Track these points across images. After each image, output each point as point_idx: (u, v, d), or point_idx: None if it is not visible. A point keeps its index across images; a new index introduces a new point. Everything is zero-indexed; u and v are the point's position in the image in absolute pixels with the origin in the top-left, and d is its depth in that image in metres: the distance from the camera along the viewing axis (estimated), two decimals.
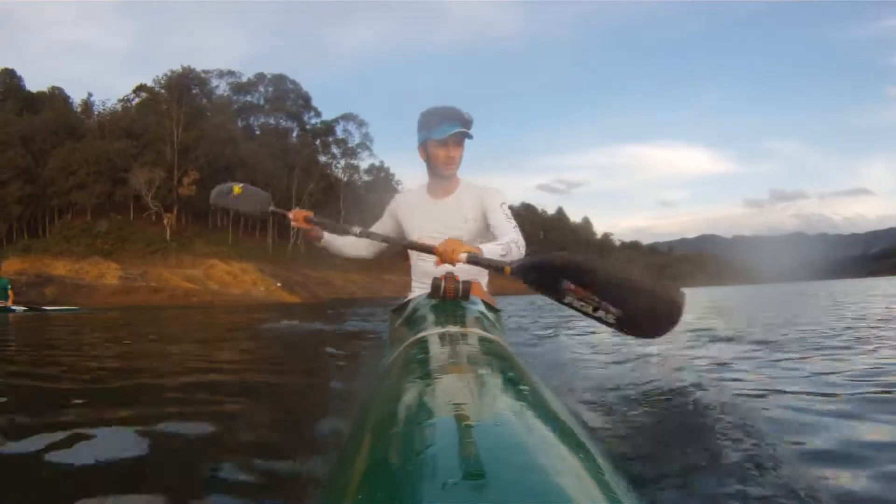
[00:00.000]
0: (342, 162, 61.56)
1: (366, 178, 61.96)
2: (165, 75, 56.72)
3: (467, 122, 1.99)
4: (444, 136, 1.96)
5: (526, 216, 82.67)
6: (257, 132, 61.02)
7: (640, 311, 1.26)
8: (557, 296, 1.34)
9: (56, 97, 58.47)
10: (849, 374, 2.14)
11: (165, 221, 50.40)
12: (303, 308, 18.36)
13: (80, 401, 2.12)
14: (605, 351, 3.08)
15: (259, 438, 1.47)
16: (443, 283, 1.58)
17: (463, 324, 1.27)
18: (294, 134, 61.43)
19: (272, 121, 61.91)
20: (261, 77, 60.59)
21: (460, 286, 1.57)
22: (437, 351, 1.05)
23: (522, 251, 1.83)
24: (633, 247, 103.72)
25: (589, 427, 1.35)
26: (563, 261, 1.32)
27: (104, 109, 57.98)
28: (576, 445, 0.59)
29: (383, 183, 61.64)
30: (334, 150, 61.23)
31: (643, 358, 2.61)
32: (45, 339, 5.54)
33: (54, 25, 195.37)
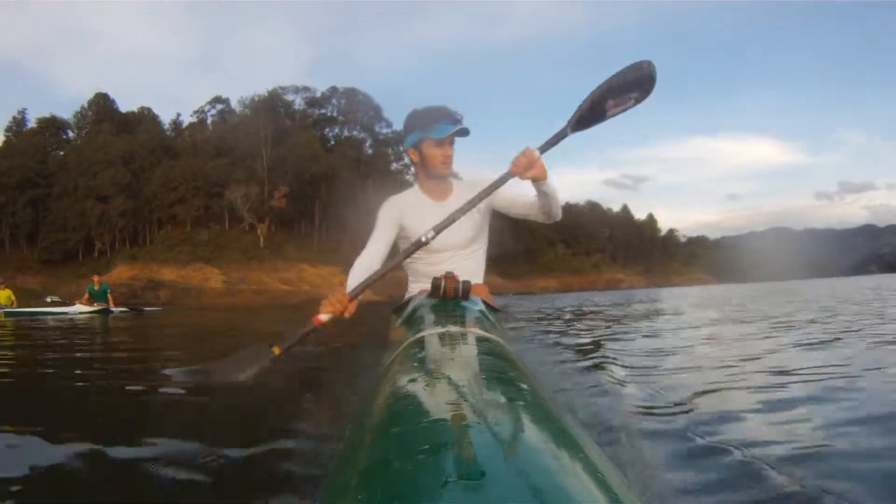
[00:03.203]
0: (413, 169, 65.39)
1: None
2: (252, 98, 61.69)
3: (460, 121, 1.95)
4: (444, 135, 1.92)
5: (591, 214, 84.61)
6: (332, 143, 65.22)
7: (640, 87, 1.68)
8: (603, 118, 1.69)
9: (146, 117, 64.22)
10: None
11: (259, 231, 55.24)
12: (382, 305, 19.60)
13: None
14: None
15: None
16: (443, 283, 1.58)
17: (463, 324, 1.28)
18: (367, 144, 65.34)
19: (346, 132, 66.04)
20: (333, 91, 64.31)
21: (460, 286, 1.58)
22: (436, 351, 1.06)
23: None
24: (699, 242, 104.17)
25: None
26: (605, 87, 1.66)
27: (190, 125, 64.22)
28: (575, 445, 0.59)
29: None
30: (406, 158, 65.30)
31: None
32: (140, 334, 6.28)
33: (125, 35, 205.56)
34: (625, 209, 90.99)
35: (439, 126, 1.92)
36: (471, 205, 1.69)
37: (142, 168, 57.02)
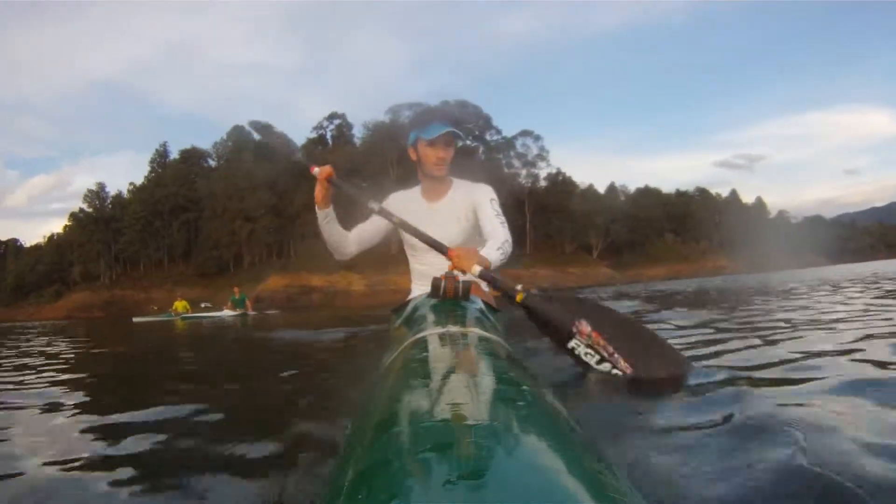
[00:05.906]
0: (523, 172, 67.26)
1: (544, 183, 67.42)
2: (373, 121, 65.77)
3: (458, 123, 1.99)
4: (434, 135, 1.97)
5: (701, 201, 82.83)
6: None
7: (652, 368, 1.40)
8: (561, 337, 1.50)
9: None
10: None
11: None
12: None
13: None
14: None
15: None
16: (443, 283, 1.59)
17: (463, 324, 1.29)
18: (480, 151, 66.90)
19: (459, 142, 71.95)
20: (445, 104, 71.09)
21: (460, 286, 1.59)
22: (437, 351, 1.07)
23: (510, 249, 1.88)
24: (813, 221, 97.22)
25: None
26: (587, 301, 1.47)
27: (311, 141, 70.22)
28: (575, 445, 0.60)
29: (562, 186, 66.88)
30: (515, 163, 67.44)
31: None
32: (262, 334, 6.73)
33: (230, 51, 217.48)
34: (733, 194, 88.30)
35: (433, 126, 1.98)
36: (430, 243, 1.83)
37: (284, 190, 63.17)
